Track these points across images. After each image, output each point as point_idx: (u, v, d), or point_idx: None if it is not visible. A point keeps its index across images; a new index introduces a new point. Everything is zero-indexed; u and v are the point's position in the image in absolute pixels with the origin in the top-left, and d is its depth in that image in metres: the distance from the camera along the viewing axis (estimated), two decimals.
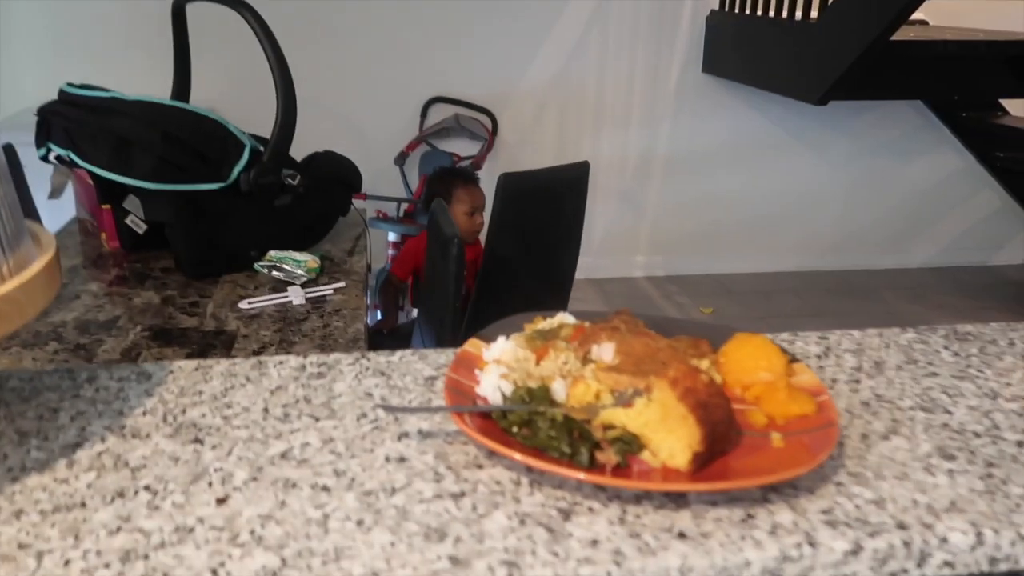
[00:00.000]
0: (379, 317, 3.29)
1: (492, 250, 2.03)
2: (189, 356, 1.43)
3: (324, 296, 1.70)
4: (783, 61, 3.26)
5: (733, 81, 3.76)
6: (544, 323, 0.73)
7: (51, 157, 1.78)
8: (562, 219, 2.15)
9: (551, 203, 2.13)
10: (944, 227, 4.34)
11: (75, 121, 1.70)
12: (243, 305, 1.64)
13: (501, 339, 0.69)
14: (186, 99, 2.02)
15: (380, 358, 0.73)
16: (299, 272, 1.76)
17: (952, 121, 3.89)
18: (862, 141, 4.08)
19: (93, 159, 1.67)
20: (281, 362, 0.72)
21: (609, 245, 4.06)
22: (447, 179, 2.46)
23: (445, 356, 0.74)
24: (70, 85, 1.81)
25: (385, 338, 2.49)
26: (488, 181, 3.73)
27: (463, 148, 3.68)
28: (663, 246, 4.13)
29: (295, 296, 1.68)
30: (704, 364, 0.66)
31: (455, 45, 3.67)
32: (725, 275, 4.13)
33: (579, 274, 3.93)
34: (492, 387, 0.63)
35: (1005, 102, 3.76)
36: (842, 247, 4.25)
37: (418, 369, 0.72)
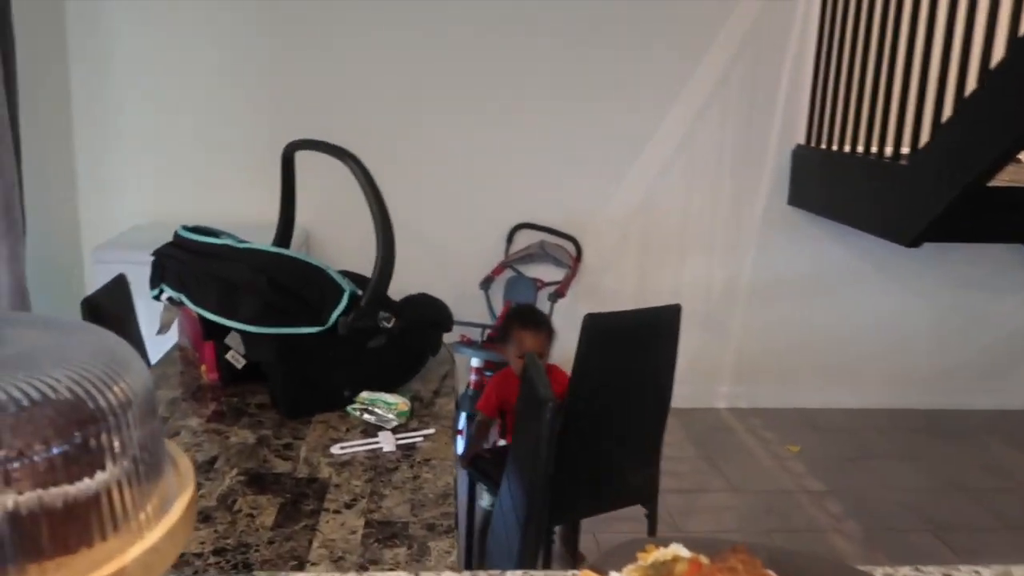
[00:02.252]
0: (463, 445, 3.29)
1: (576, 391, 2.03)
2: (283, 506, 1.44)
3: (414, 443, 1.71)
4: (872, 200, 3.24)
5: (819, 215, 3.75)
6: (657, 553, 0.72)
7: (163, 298, 1.88)
8: (649, 365, 2.13)
9: (639, 347, 2.12)
10: None
11: (187, 265, 1.79)
12: (335, 450, 1.66)
13: (614, 575, 0.67)
14: (289, 240, 2.11)
15: None
16: (390, 416, 1.79)
17: None
18: (952, 276, 3.99)
19: (203, 302, 1.75)
20: None
21: (691, 374, 3.99)
22: (510, 318, 2.53)
23: None
24: (184, 228, 1.92)
25: (485, 461, 2.49)
26: (571, 306, 3.77)
27: (548, 274, 3.73)
28: (747, 377, 4.05)
29: (386, 442, 1.70)
30: None
31: (542, 173, 3.78)
32: (810, 409, 4.01)
33: None
34: None
35: None
36: (933, 385, 4.10)
37: None
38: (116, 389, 0.57)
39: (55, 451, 0.51)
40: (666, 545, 0.72)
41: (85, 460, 0.53)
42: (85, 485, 0.53)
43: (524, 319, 2.51)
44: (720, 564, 0.69)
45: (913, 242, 2.91)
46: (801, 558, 0.73)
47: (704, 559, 0.71)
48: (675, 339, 2.14)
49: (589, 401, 2.06)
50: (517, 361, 2.43)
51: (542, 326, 2.49)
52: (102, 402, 0.55)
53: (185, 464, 0.64)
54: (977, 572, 0.76)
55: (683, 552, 0.71)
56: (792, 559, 0.72)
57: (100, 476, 0.53)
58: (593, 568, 0.70)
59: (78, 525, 0.52)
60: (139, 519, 0.55)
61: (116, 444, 0.55)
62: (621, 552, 0.72)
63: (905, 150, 3.00)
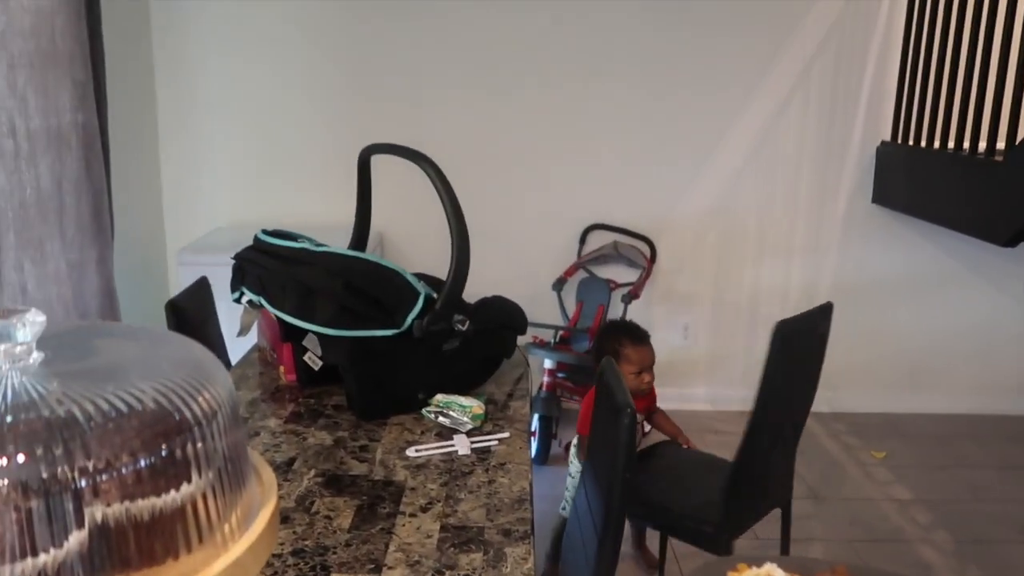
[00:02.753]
0: (536, 447, 3.28)
1: (764, 402, 2.00)
2: (359, 508, 1.45)
3: (489, 447, 1.70)
4: (964, 197, 3.10)
5: (905, 214, 3.61)
6: (750, 572, 0.68)
7: (243, 300, 1.91)
8: (809, 367, 2.10)
9: (806, 349, 2.10)
10: None
11: (267, 269, 1.82)
12: (410, 453, 1.66)
13: None
14: (365, 243, 2.13)
15: None
16: (464, 420, 1.78)
17: None
18: None
19: (281, 306, 1.78)
20: None
21: None
22: (615, 335, 2.41)
23: None
24: (264, 232, 1.95)
25: None
26: (645, 309, 3.71)
27: (621, 275, 3.68)
28: (828, 381, 3.88)
29: (461, 446, 1.69)
30: None
31: (616, 172, 3.73)
32: (895, 415, 3.87)
33: (737, 407, 3.83)
34: None
35: None
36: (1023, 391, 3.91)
37: None
38: (201, 400, 0.57)
39: (142, 463, 0.51)
40: (759, 565, 0.69)
41: (171, 472, 0.53)
42: (171, 497, 0.53)
43: (632, 335, 2.41)
44: None
45: (1009, 241, 2.78)
46: None
47: None
48: (825, 339, 2.09)
49: (773, 410, 2.03)
50: (632, 378, 2.35)
51: (647, 339, 2.42)
52: (187, 413, 0.55)
53: (268, 475, 0.64)
54: None
55: (778, 572, 0.68)
56: None
57: (186, 488, 0.53)
58: None
59: (164, 537, 0.52)
60: (224, 531, 0.55)
61: (202, 455, 0.55)
62: (712, 570, 0.69)
63: (1000, 145, 2.86)
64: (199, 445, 0.55)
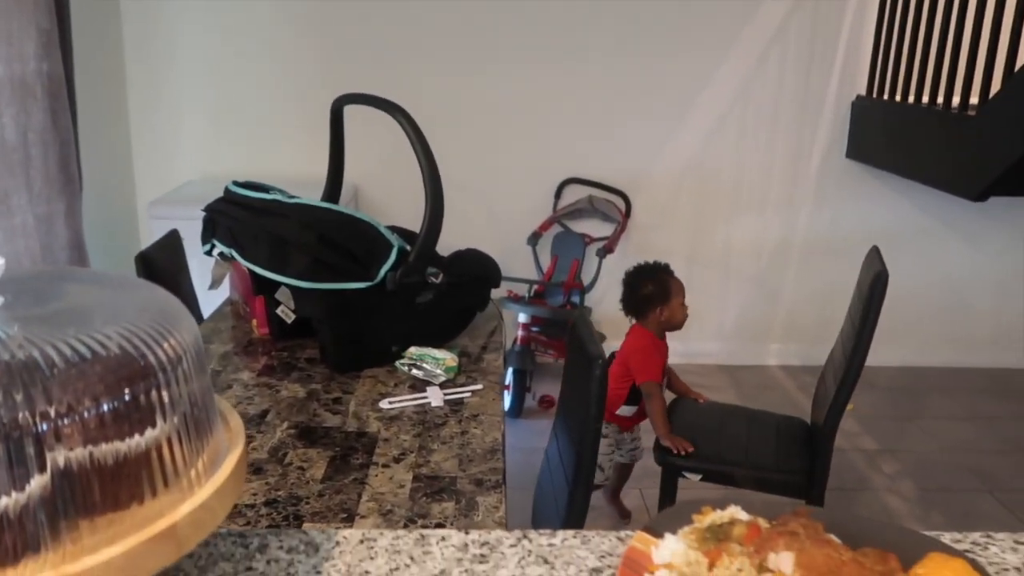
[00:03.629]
0: (510, 400, 3.30)
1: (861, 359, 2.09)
2: (332, 459, 1.46)
3: (462, 399, 1.71)
4: (936, 152, 3.11)
5: (879, 169, 3.63)
6: (714, 515, 0.70)
7: (215, 253, 1.89)
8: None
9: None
10: None
11: (238, 221, 1.80)
12: (384, 405, 1.67)
13: (671, 538, 0.66)
14: (338, 195, 2.11)
15: (542, 539, 0.72)
16: (438, 372, 1.79)
17: None
18: (1020, 232, 3.84)
19: (253, 257, 1.76)
20: (443, 539, 0.71)
21: (743, 332, 3.95)
22: (660, 276, 2.42)
23: (608, 542, 0.72)
24: (235, 184, 1.92)
25: None
26: (620, 263, 3.72)
27: (596, 229, 3.68)
28: (799, 334, 3.98)
29: (434, 397, 1.70)
30: None
31: (591, 126, 3.71)
32: (866, 367, 3.90)
33: (712, 360, 3.88)
34: None
35: None
36: (996, 344, 3.98)
37: (581, 558, 0.70)
38: (166, 345, 0.56)
39: (105, 408, 0.51)
40: (723, 507, 0.70)
41: (135, 416, 0.53)
42: (136, 442, 0.52)
43: (669, 270, 2.45)
44: (781, 527, 0.66)
45: (980, 196, 2.81)
46: (863, 523, 0.70)
47: (763, 522, 0.68)
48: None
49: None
50: (682, 309, 2.40)
51: None
52: (152, 359, 0.55)
53: (236, 421, 0.63)
54: None
55: (741, 515, 0.69)
56: (854, 524, 0.70)
57: (150, 432, 0.53)
58: (648, 530, 0.68)
59: (129, 481, 0.52)
60: (190, 476, 0.55)
61: (166, 400, 0.55)
62: (676, 514, 0.71)
63: (974, 100, 2.87)
64: (163, 391, 0.54)
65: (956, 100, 2.95)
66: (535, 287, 3.53)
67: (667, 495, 2.30)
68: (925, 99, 3.15)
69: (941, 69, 3.03)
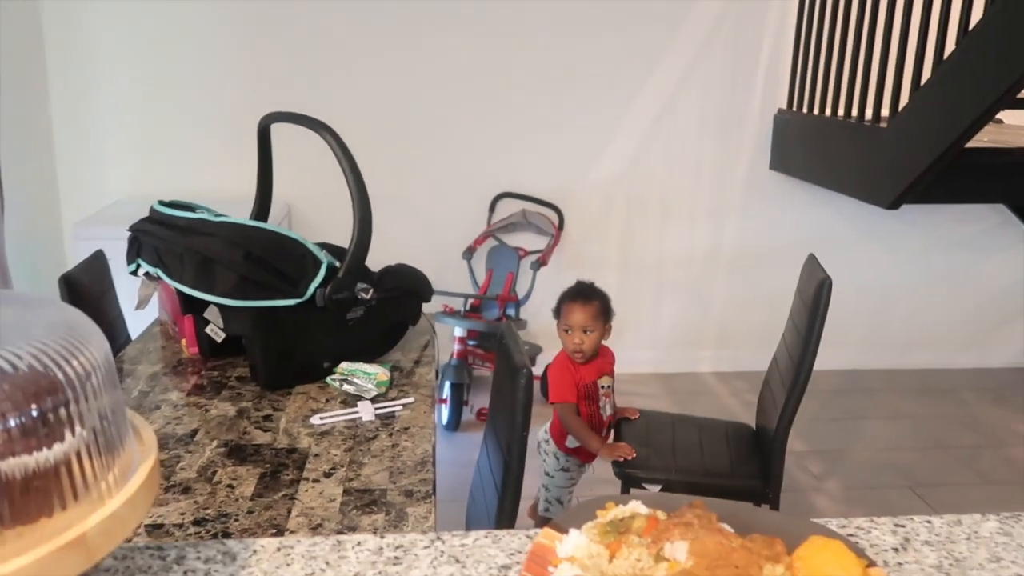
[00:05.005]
0: (448, 414, 3.32)
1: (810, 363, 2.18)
2: (262, 476, 1.46)
3: (393, 412, 1.73)
4: (852, 163, 3.25)
5: (801, 179, 3.76)
6: (617, 510, 0.73)
7: (140, 273, 1.88)
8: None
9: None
10: None
11: (164, 240, 1.79)
12: (315, 420, 1.68)
13: (574, 532, 0.69)
14: (267, 214, 2.11)
15: (455, 540, 0.75)
16: (369, 386, 1.80)
17: None
18: (936, 238, 4.02)
19: (179, 277, 1.76)
20: (359, 543, 0.73)
21: (675, 339, 4.04)
22: (564, 295, 2.37)
23: (518, 540, 0.75)
24: (161, 203, 1.91)
25: None
26: (554, 275, 3.78)
27: (530, 243, 3.73)
28: (730, 341, 4.08)
29: (365, 412, 1.71)
30: (779, 570, 0.65)
31: (522, 141, 3.76)
32: None
33: (646, 368, 3.95)
34: None
35: None
36: (917, 345, 4.15)
37: (491, 556, 0.73)
38: (75, 362, 0.58)
39: (13, 423, 0.52)
40: (626, 503, 0.74)
41: (44, 431, 0.54)
42: (44, 456, 0.54)
43: (574, 292, 2.34)
44: (677, 519, 0.70)
45: (892, 204, 2.93)
46: (755, 512, 0.75)
47: (662, 515, 0.72)
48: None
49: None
50: (563, 334, 2.31)
51: (592, 298, 2.32)
52: (61, 375, 0.56)
53: (148, 434, 0.65)
54: (929, 522, 0.78)
55: (642, 509, 0.73)
56: (746, 513, 0.74)
57: (59, 447, 0.55)
58: (553, 526, 0.71)
59: (38, 495, 0.53)
60: (100, 488, 0.57)
61: (75, 415, 0.56)
62: (582, 510, 0.74)
63: (885, 113, 3.00)
64: (72, 406, 0.56)
65: (869, 113, 3.08)
66: (471, 301, 3.56)
67: None
68: (841, 112, 3.28)
69: (855, 83, 3.17)
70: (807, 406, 3.65)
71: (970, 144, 2.75)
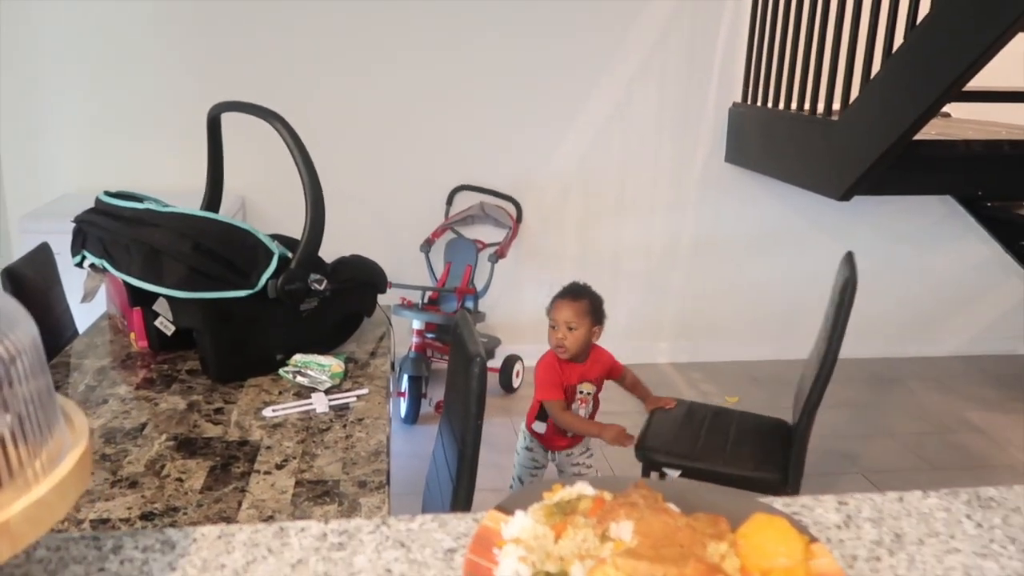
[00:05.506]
0: (406, 407, 3.30)
1: (833, 359, 2.18)
2: (212, 469, 1.44)
3: (348, 403, 1.71)
4: (805, 155, 3.29)
5: (756, 172, 3.80)
6: (563, 492, 0.73)
7: (86, 265, 1.83)
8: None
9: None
10: (971, 316, 4.31)
11: (109, 231, 1.75)
12: (267, 413, 1.66)
13: (520, 514, 0.69)
14: (218, 205, 2.08)
15: (401, 525, 0.74)
16: (323, 378, 1.78)
17: (977, 211, 3.88)
18: (886, 230, 4.09)
19: (126, 269, 1.72)
20: (303, 529, 0.72)
21: (633, 331, 4.06)
22: (557, 293, 2.36)
23: (465, 523, 0.75)
24: (107, 194, 1.87)
25: None
26: (512, 268, 3.78)
27: (488, 235, 3.73)
28: (688, 332, 4.12)
29: (319, 404, 1.70)
30: (722, 547, 0.66)
31: (480, 134, 3.75)
32: (750, 362, 4.10)
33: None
34: (511, 571, 0.63)
35: None
36: (866, 336, 4.21)
37: (438, 540, 0.72)
38: (0, 347, 0.56)
39: None
40: (572, 484, 0.74)
41: None
42: None
43: (565, 289, 2.35)
44: (622, 499, 0.71)
45: (844, 196, 2.98)
46: (700, 490, 0.75)
47: (608, 495, 0.72)
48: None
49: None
50: (550, 331, 2.31)
51: (581, 296, 2.32)
52: None
53: (80, 420, 0.63)
54: (872, 499, 0.80)
55: (587, 490, 0.73)
56: (691, 492, 0.74)
57: None
58: (499, 508, 0.71)
59: None
60: (26, 475, 0.55)
61: None
62: (528, 492, 0.74)
63: (836, 106, 3.04)
64: None
65: (821, 106, 3.13)
66: (429, 294, 3.55)
67: None
68: (794, 105, 3.32)
69: (807, 77, 3.21)
70: (762, 396, 3.72)
71: (918, 137, 2.80)
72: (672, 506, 0.71)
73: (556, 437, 2.38)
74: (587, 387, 2.37)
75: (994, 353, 4.31)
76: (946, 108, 3.70)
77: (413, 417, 3.32)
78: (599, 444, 2.43)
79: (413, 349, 3.37)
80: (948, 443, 3.40)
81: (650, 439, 2.41)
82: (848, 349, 4.25)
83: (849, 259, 2.32)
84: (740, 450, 2.41)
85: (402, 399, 3.31)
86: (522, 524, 0.68)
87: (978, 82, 2.63)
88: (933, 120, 2.87)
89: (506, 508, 0.71)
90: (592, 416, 2.43)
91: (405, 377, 3.28)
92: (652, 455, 2.35)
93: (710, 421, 2.57)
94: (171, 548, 0.69)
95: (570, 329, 2.29)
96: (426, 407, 3.40)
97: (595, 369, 2.38)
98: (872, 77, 2.82)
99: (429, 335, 3.48)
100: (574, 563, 0.64)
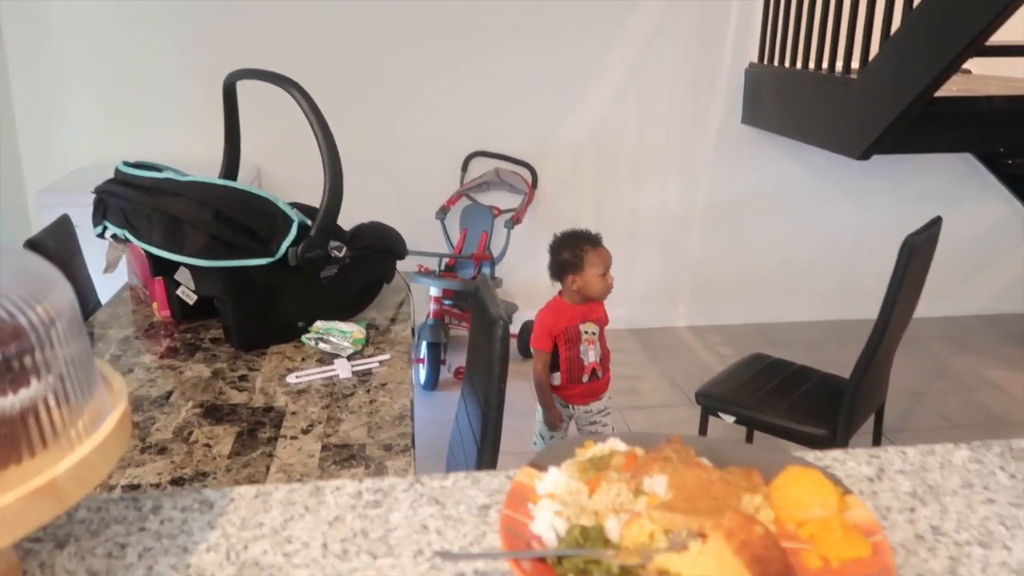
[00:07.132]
0: (425, 373, 3.32)
1: (888, 317, 2.26)
2: (239, 435, 1.45)
3: (370, 369, 1.72)
4: (823, 115, 3.25)
5: (773, 133, 3.76)
6: (595, 448, 0.74)
7: (107, 235, 1.84)
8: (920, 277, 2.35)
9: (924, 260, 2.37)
10: (992, 275, 4.27)
11: (130, 201, 1.76)
12: (291, 379, 1.67)
13: (553, 470, 0.69)
14: (235, 173, 2.08)
15: (434, 483, 0.74)
16: (345, 344, 1.79)
17: (998, 169, 3.84)
18: (905, 190, 4.05)
19: (147, 238, 1.73)
20: (338, 488, 0.73)
21: (650, 295, 4.05)
22: (576, 243, 2.40)
23: (498, 480, 0.75)
24: (126, 164, 1.87)
25: None
26: (528, 233, 3.77)
27: (504, 201, 3.71)
28: (704, 295, 4.11)
29: (342, 369, 1.71)
30: (757, 500, 0.66)
31: (495, 100, 3.73)
32: (768, 324, 4.09)
33: (620, 324, 3.97)
34: (546, 525, 0.64)
35: None
36: (880, 297, 4.19)
37: (472, 496, 0.73)
38: (39, 308, 0.56)
39: None
40: (605, 440, 0.74)
41: (8, 377, 0.53)
42: (10, 402, 0.53)
43: (590, 239, 2.42)
44: (655, 454, 0.71)
45: (863, 155, 2.94)
46: (732, 446, 0.75)
47: (640, 451, 0.73)
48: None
49: (894, 320, 2.29)
50: (599, 280, 2.38)
51: (602, 241, 2.45)
52: (24, 320, 0.55)
53: (118, 383, 0.64)
54: (904, 452, 0.79)
55: (620, 446, 0.73)
56: (723, 448, 0.74)
57: (25, 393, 0.53)
58: (533, 465, 0.71)
59: (5, 441, 0.52)
60: (69, 435, 0.56)
61: (41, 362, 0.55)
62: (561, 449, 0.74)
63: (855, 65, 3.00)
64: (37, 352, 0.54)
65: (839, 65, 3.08)
66: (445, 260, 3.55)
67: (702, 432, 2.55)
68: (811, 64, 3.28)
69: (825, 35, 3.16)
70: (780, 358, 3.71)
71: (938, 93, 2.76)
72: (705, 460, 0.72)
73: (570, 386, 2.43)
74: (591, 327, 2.42)
75: (1016, 312, 4.28)
76: (967, 64, 3.63)
77: (433, 383, 3.34)
78: (617, 405, 2.48)
79: (431, 316, 3.38)
80: (970, 401, 3.39)
81: (712, 386, 2.55)
82: (869, 310, 4.24)
83: (935, 221, 2.38)
84: (798, 405, 2.47)
85: (421, 366, 3.33)
86: (556, 479, 0.68)
87: (999, 37, 2.58)
88: (953, 76, 2.82)
89: (539, 464, 0.71)
90: (604, 359, 2.46)
91: (424, 344, 3.30)
92: (708, 400, 2.49)
93: (779, 375, 2.66)
94: (209, 508, 0.70)
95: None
96: (445, 373, 3.42)
97: (595, 310, 2.46)
98: (891, 34, 2.77)
99: (447, 302, 3.49)
100: (609, 517, 0.65)
